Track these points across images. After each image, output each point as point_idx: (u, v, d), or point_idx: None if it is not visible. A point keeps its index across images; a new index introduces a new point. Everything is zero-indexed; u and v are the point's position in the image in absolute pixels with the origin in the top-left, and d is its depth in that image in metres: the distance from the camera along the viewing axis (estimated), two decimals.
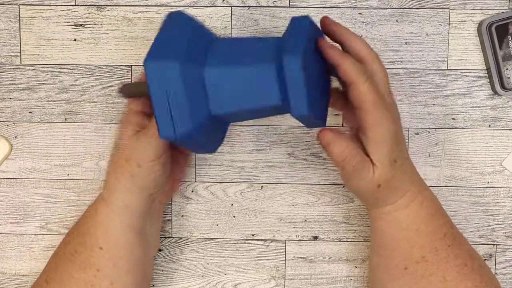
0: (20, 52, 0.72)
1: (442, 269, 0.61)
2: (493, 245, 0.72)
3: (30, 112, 0.72)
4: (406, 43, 0.71)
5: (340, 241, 0.73)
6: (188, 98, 0.55)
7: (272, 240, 0.73)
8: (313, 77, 0.56)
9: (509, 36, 0.69)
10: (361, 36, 0.71)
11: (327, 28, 0.60)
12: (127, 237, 0.63)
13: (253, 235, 0.73)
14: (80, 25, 0.71)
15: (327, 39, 0.60)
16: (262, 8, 0.71)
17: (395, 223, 0.62)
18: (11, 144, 0.73)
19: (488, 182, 0.72)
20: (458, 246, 0.62)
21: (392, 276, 0.63)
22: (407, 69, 0.71)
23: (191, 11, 0.71)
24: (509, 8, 0.70)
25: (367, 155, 0.58)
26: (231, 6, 0.71)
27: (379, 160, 0.58)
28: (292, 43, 0.55)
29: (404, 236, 0.61)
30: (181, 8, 0.71)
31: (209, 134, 0.59)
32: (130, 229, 0.63)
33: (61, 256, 0.65)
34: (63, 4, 0.71)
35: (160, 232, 0.71)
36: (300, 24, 0.57)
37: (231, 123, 0.66)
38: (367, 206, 0.65)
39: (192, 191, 0.73)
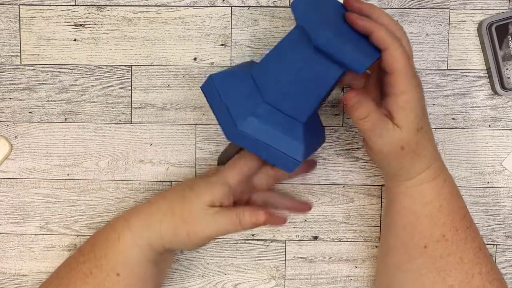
0: (20, 52, 0.72)
1: (461, 250, 0.61)
2: (493, 245, 0.72)
3: (30, 112, 0.72)
4: None
5: (340, 241, 0.73)
6: (241, 95, 0.59)
7: (272, 240, 0.73)
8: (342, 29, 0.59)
9: (509, 36, 0.69)
10: None
11: (352, 6, 0.61)
12: (144, 268, 0.64)
13: (253, 235, 0.73)
14: (80, 25, 0.71)
15: None
16: (262, 8, 0.71)
17: (420, 197, 0.62)
18: (11, 144, 0.73)
19: (488, 182, 0.72)
20: (475, 230, 0.63)
21: (410, 257, 0.62)
22: None
23: (191, 11, 0.71)
24: (509, 8, 0.70)
25: (393, 119, 0.59)
26: (231, 6, 0.71)
27: (405, 125, 0.59)
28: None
29: (427, 212, 0.61)
30: (181, 8, 0.71)
31: (276, 131, 0.60)
32: (149, 261, 0.64)
33: (74, 275, 0.65)
34: (63, 4, 0.71)
35: None
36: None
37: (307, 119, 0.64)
38: (390, 183, 0.64)
39: None
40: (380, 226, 0.72)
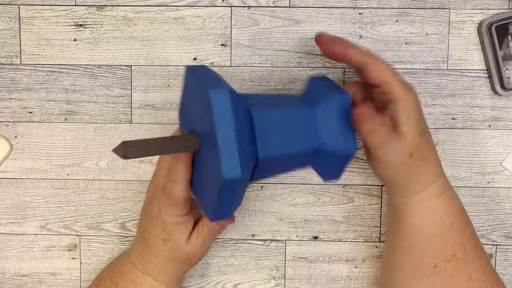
0: (20, 52, 0.72)
1: (469, 269, 0.61)
2: (493, 245, 0.72)
3: (30, 112, 0.72)
4: (406, 43, 0.71)
5: (340, 241, 0.73)
6: (249, 135, 0.53)
7: (272, 240, 0.73)
8: None
9: (509, 36, 0.69)
10: (361, 36, 0.71)
11: (321, 41, 0.61)
12: None
13: (253, 235, 0.73)
14: (80, 25, 0.71)
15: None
16: (262, 8, 0.71)
17: (430, 214, 0.60)
18: (11, 144, 0.73)
19: (488, 182, 0.72)
20: (481, 247, 0.63)
21: (418, 276, 0.61)
22: (407, 69, 0.71)
23: (191, 11, 0.71)
24: (509, 8, 0.70)
25: (397, 127, 0.58)
26: (231, 6, 0.71)
27: (410, 131, 0.58)
28: (330, 86, 0.59)
29: (438, 231, 0.60)
30: (181, 8, 0.71)
31: (241, 189, 0.58)
32: None
33: None
34: (63, 4, 0.71)
35: None
36: (319, 80, 0.61)
37: (253, 182, 0.64)
38: (396, 200, 0.62)
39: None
40: (380, 226, 0.72)
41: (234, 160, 0.50)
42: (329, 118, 0.57)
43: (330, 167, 0.60)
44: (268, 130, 0.55)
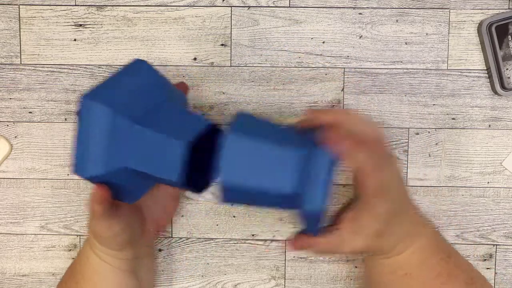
0: (20, 52, 0.72)
1: None
2: (493, 245, 0.72)
3: (30, 112, 0.72)
4: (406, 43, 0.71)
5: None
6: (108, 145, 0.55)
7: (272, 240, 0.73)
8: None
9: (509, 36, 0.69)
10: (361, 36, 0.71)
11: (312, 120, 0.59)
12: (123, 279, 0.65)
13: (253, 235, 0.73)
14: (80, 25, 0.71)
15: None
16: (262, 8, 0.71)
17: (382, 267, 0.61)
18: (11, 144, 0.73)
19: (488, 182, 0.72)
20: (454, 278, 0.61)
21: None
22: (407, 69, 0.71)
23: (191, 11, 0.71)
24: (509, 8, 0.70)
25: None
26: (231, 6, 0.71)
27: (361, 236, 0.58)
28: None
29: (395, 278, 0.61)
30: (181, 8, 0.71)
31: (125, 183, 0.58)
32: (122, 271, 0.64)
33: None
34: (63, 4, 0.71)
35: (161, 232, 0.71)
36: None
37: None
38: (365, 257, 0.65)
39: None
40: None
41: (80, 162, 0.57)
42: (314, 170, 0.53)
43: (304, 220, 0.56)
44: (140, 145, 0.56)
